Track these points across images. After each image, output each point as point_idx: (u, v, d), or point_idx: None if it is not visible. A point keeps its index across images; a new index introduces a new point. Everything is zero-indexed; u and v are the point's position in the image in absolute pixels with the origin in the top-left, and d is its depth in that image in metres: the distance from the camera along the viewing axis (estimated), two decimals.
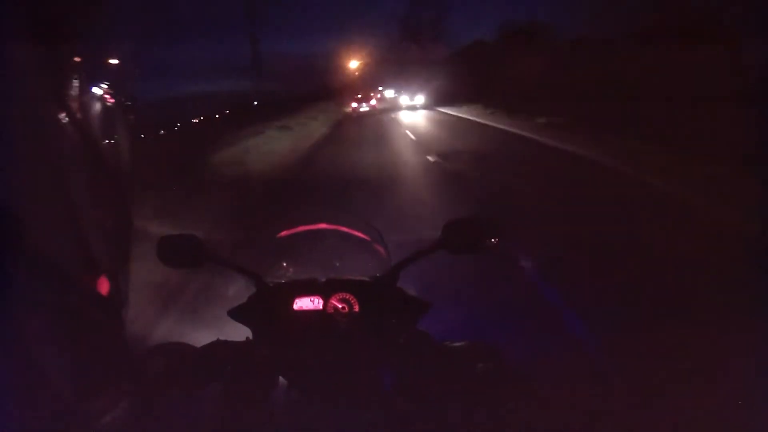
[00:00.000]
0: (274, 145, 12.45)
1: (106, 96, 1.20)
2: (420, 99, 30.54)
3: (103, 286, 0.69)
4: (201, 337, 1.00)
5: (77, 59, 0.72)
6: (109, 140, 1.02)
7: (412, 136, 12.94)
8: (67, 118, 0.72)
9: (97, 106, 1.07)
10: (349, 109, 29.28)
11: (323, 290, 1.04)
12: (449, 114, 21.97)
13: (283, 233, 1.36)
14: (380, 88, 42.07)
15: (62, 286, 0.60)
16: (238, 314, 1.05)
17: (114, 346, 0.63)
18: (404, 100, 32.10)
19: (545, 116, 13.16)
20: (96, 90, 1.08)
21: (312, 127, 18.38)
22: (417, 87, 30.71)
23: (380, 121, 20.07)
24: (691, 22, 11.09)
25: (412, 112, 25.05)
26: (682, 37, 10.50)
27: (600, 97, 11.64)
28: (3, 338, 0.50)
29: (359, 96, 31.63)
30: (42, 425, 0.51)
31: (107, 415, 0.58)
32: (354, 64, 37.31)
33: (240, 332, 1.05)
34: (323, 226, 1.37)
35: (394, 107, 30.51)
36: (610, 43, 14.71)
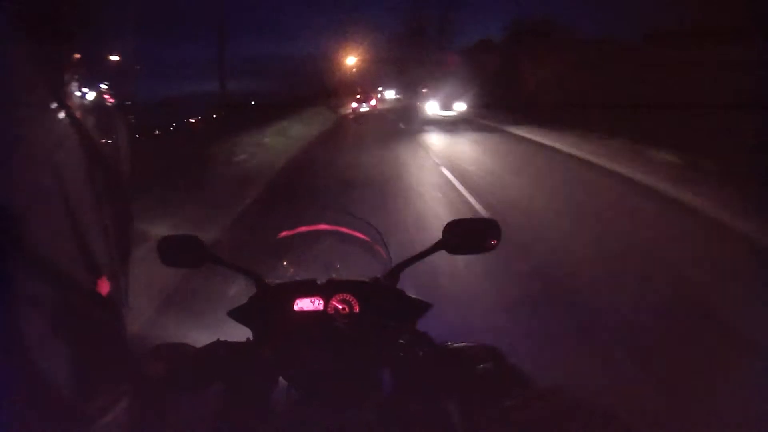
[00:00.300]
0: None
1: (106, 96, 1.20)
2: (460, 106, 21.29)
3: (103, 286, 0.68)
4: (201, 338, 1.00)
5: (77, 58, 0.72)
6: (109, 140, 1.02)
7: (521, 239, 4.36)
8: (66, 118, 0.71)
9: (97, 106, 1.07)
10: (349, 110, 28.88)
11: (324, 291, 1.05)
12: (529, 140, 12.00)
13: (284, 234, 1.37)
14: (380, 89, 41.27)
15: (62, 286, 0.60)
16: (238, 315, 1.05)
17: (114, 346, 0.63)
18: (431, 107, 21.88)
19: (658, 146, 8.37)
20: (96, 89, 1.08)
21: (263, 164, 9.17)
22: (450, 90, 23.30)
23: (397, 154, 9.97)
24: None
25: (449, 134, 13.74)
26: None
27: (686, 108, 8.37)
28: (3, 338, 0.50)
29: (359, 96, 31.28)
30: (42, 425, 0.51)
31: (107, 415, 0.58)
32: (351, 61, 35.00)
33: (240, 333, 1.05)
34: (324, 226, 1.38)
35: (409, 115, 20.62)
36: (654, 43, 12.00)
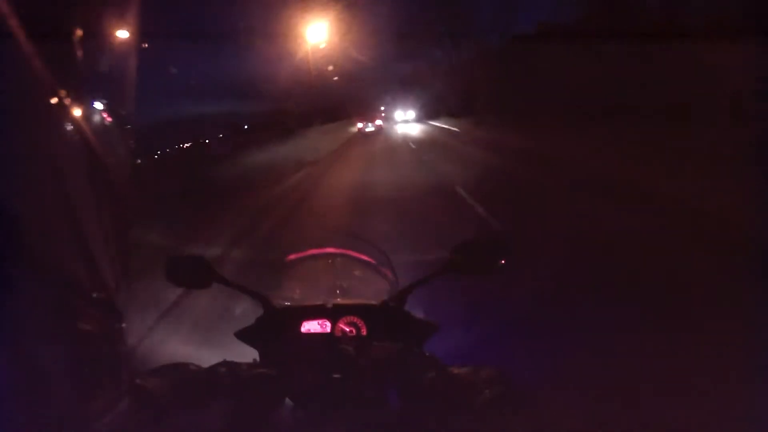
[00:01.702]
0: None
1: (105, 114, 1.22)
2: None
3: (103, 293, 0.68)
4: (208, 357, 0.99)
5: (80, 70, 0.74)
6: (109, 152, 1.03)
7: None
8: (70, 129, 0.73)
9: (98, 121, 1.09)
10: (355, 129, 28.35)
11: (331, 314, 1.05)
12: None
13: (292, 256, 1.37)
14: (382, 108, 38.83)
15: (63, 293, 0.60)
16: (245, 336, 1.05)
17: (114, 348, 0.63)
18: None
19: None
20: (97, 105, 1.10)
21: None
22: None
23: None
24: None
25: None
26: None
27: None
28: (3, 339, 0.50)
29: (363, 117, 30.75)
30: (42, 426, 0.51)
31: (107, 416, 0.58)
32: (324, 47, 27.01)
33: (247, 354, 1.04)
34: (331, 250, 1.38)
35: None
36: None
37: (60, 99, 0.66)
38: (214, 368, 0.95)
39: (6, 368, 0.49)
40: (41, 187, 0.60)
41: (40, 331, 0.53)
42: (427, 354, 0.97)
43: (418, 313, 1.07)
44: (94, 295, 0.62)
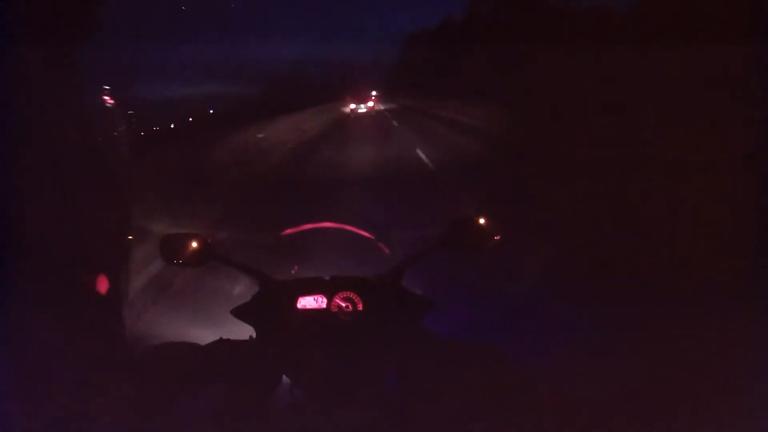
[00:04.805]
0: None
1: (106, 98, 1.20)
2: None
3: (103, 285, 0.68)
4: (204, 336, 0.99)
5: (79, 60, 0.72)
6: (109, 142, 1.01)
7: None
8: (67, 118, 0.71)
9: (98, 109, 1.07)
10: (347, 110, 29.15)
11: (327, 289, 1.03)
12: None
13: (288, 231, 1.36)
14: (373, 93, 40.22)
15: (62, 286, 0.60)
16: (241, 313, 1.04)
17: (114, 346, 0.63)
18: None
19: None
20: (97, 92, 1.08)
21: None
22: None
23: None
24: None
25: None
26: None
27: None
28: (3, 338, 0.49)
29: (355, 99, 31.92)
30: (42, 425, 0.51)
31: (107, 415, 0.58)
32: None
33: (243, 331, 1.04)
34: (328, 224, 1.37)
35: None
36: None
37: (61, 91, 0.64)
38: (211, 347, 0.95)
39: (5, 367, 0.48)
40: (42, 184, 0.59)
41: (40, 329, 0.53)
42: (425, 329, 0.97)
43: (415, 289, 1.06)
44: (94, 291, 0.61)
